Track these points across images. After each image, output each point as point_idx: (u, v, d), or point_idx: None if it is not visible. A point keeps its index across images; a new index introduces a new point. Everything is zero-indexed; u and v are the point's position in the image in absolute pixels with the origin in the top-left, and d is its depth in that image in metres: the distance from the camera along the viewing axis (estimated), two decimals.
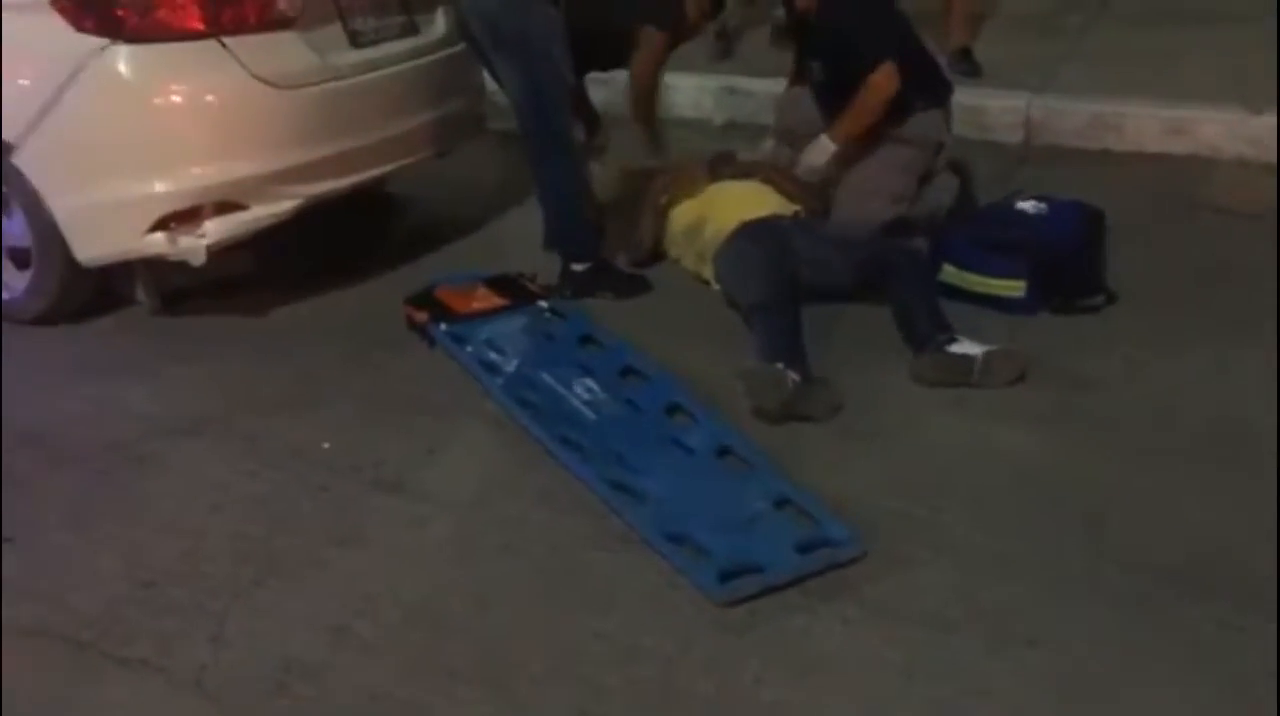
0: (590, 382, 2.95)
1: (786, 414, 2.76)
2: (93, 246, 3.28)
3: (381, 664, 2.09)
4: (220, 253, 3.31)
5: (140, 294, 3.47)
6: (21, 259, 3.39)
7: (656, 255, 3.74)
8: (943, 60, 3.93)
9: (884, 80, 3.36)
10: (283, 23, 3.29)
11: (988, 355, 2.87)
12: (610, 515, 2.45)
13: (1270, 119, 4.38)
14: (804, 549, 2.27)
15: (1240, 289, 3.38)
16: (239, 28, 3.19)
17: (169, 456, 2.77)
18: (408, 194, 4.36)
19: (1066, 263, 3.29)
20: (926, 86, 3.55)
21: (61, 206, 3.24)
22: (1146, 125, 4.63)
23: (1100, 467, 2.57)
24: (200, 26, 3.13)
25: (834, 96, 3.51)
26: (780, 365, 2.81)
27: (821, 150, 3.50)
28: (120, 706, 2.01)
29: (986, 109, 4.71)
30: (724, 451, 2.65)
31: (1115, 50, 5.54)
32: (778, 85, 4.08)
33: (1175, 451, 2.63)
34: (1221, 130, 4.51)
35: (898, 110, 3.44)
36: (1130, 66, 5.22)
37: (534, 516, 2.49)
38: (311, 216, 3.48)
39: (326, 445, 2.78)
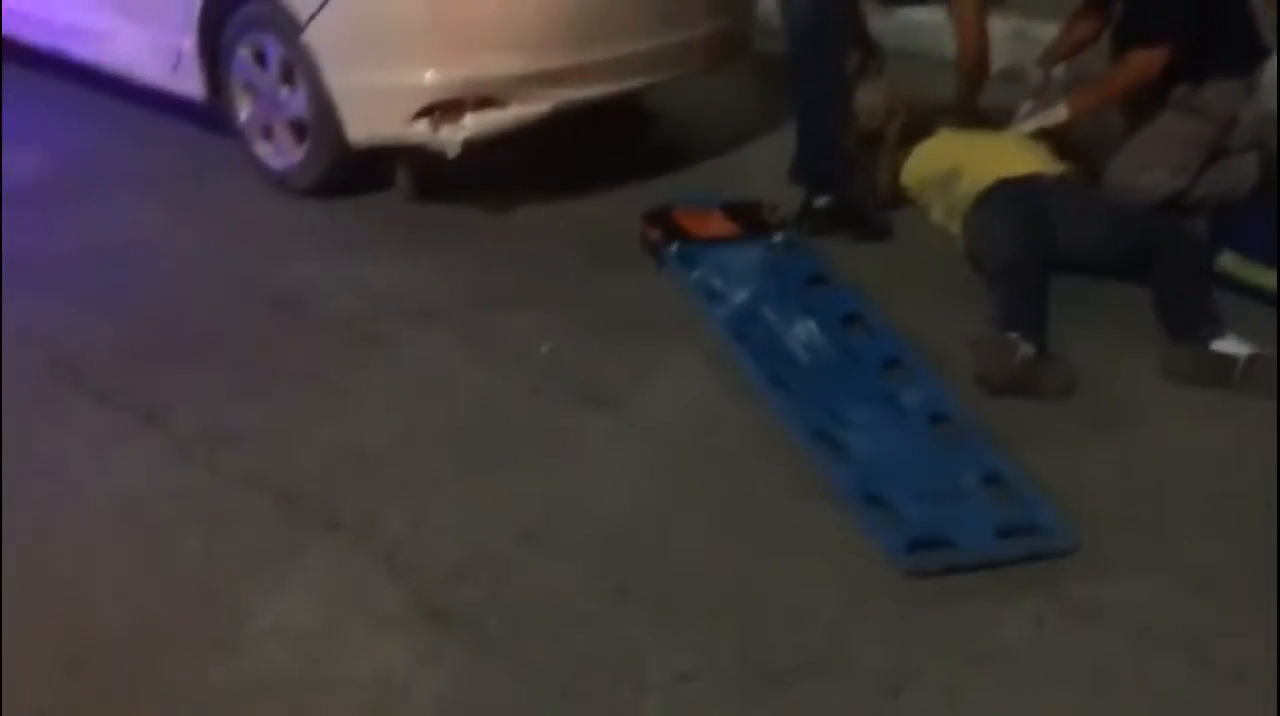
0: (811, 324, 2.88)
1: (1014, 387, 2.60)
2: (363, 127, 3.45)
3: (560, 570, 2.14)
4: (476, 148, 3.41)
5: (400, 179, 3.64)
6: (300, 132, 3.60)
7: (896, 199, 3.58)
8: (1265, 18, 3.52)
9: (1143, 63, 3.12)
10: None
11: (1254, 358, 2.60)
12: (809, 464, 2.40)
13: None
14: (1007, 533, 2.16)
15: None
16: None
17: (398, 337, 2.90)
18: (662, 109, 4.35)
19: None
20: (1230, 52, 3.19)
21: (339, 85, 3.42)
22: None
23: None
24: None
25: (1122, 48, 3.24)
26: (1015, 334, 2.65)
27: (1054, 116, 3.31)
28: (316, 567, 2.15)
29: None
30: (939, 417, 2.53)
31: None
32: None
33: None
34: None
35: (1194, 76, 3.12)
36: None
37: (730, 452, 2.47)
38: (565, 123, 3.52)
39: (545, 348, 2.85)
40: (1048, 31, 4.59)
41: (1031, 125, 3.40)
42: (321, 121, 3.49)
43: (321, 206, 3.63)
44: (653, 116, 4.36)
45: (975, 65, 3.58)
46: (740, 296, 3.04)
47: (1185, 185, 3.32)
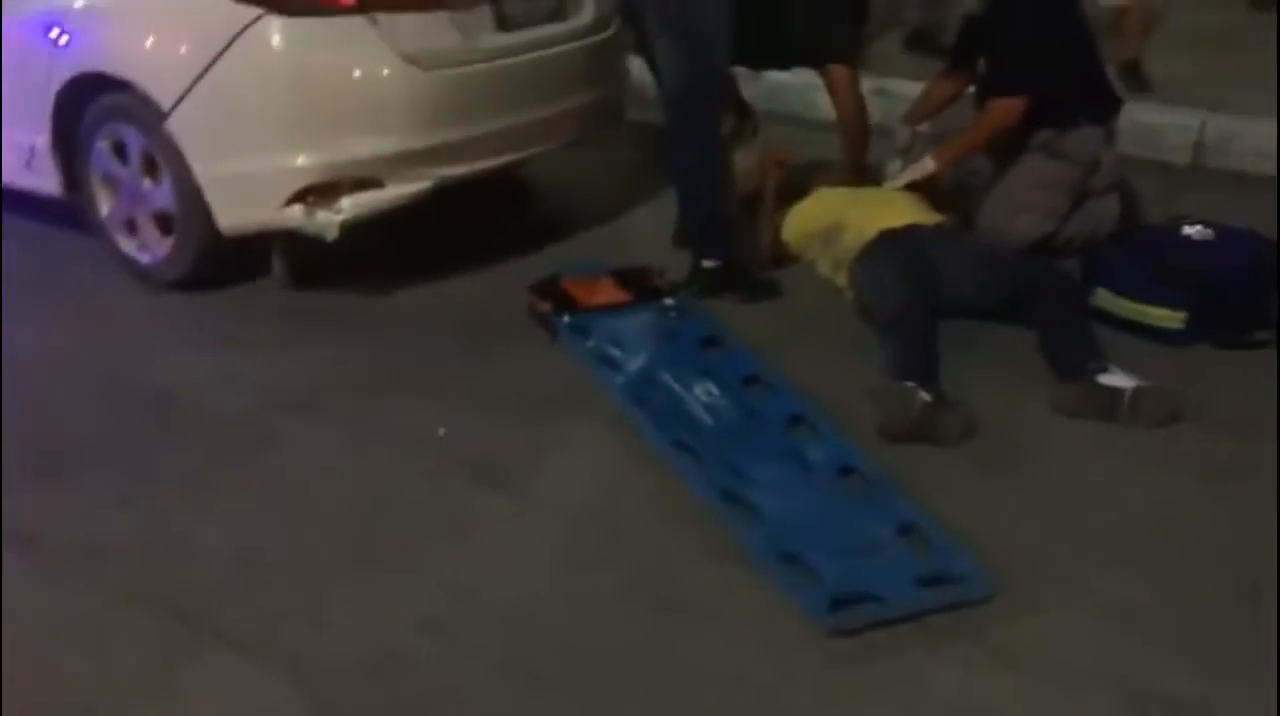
0: (711, 386, 2.85)
1: (914, 435, 2.61)
2: (233, 215, 3.33)
3: (472, 662, 2.03)
4: (352, 230, 3.32)
5: (274, 266, 3.51)
6: (165, 224, 3.46)
7: (780, 257, 3.61)
8: (1110, 72, 3.73)
9: (1002, 111, 3.27)
10: (435, 4, 3.28)
11: (1139, 390, 2.67)
12: (720, 527, 2.35)
13: None
14: (926, 582, 2.14)
15: None
16: (392, 6, 3.19)
17: (284, 432, 2.77)
18: (540, 180, 4.33)
19: (1233, 295, 3.05)
20: (1092, 101, 3.34)
21: (206, 174, 3.30)
22: None
23: (1259, 530, 2.34)
24: (354, 3, 3.15)
25: (982, 97, 3.36)
26: (911, 383, 2.67)
27: (922, 169, 3.41)
28: (216, 683, 2.00)
29: (1155, 126, 4.43)
30: (847, 470, 2.52)
31: None
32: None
33: None
34: None
35: (1058, 123, 3.25)
36: None
37: (638, 522, 2.41)
38: (443, 198, 3.47)
39: (441, 431, 2.76)
40: (905, 88, 4.78)
41: (902, 180, 3.49)
42: (189, 212, 3.36)
43: (192, 299, 3.48)
44: (531, 189, 4.34)
45: (856, 128, 3.66)
46: (637, 363, 3.01)
47: (1054, 227, 3.43)
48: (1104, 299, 3.15)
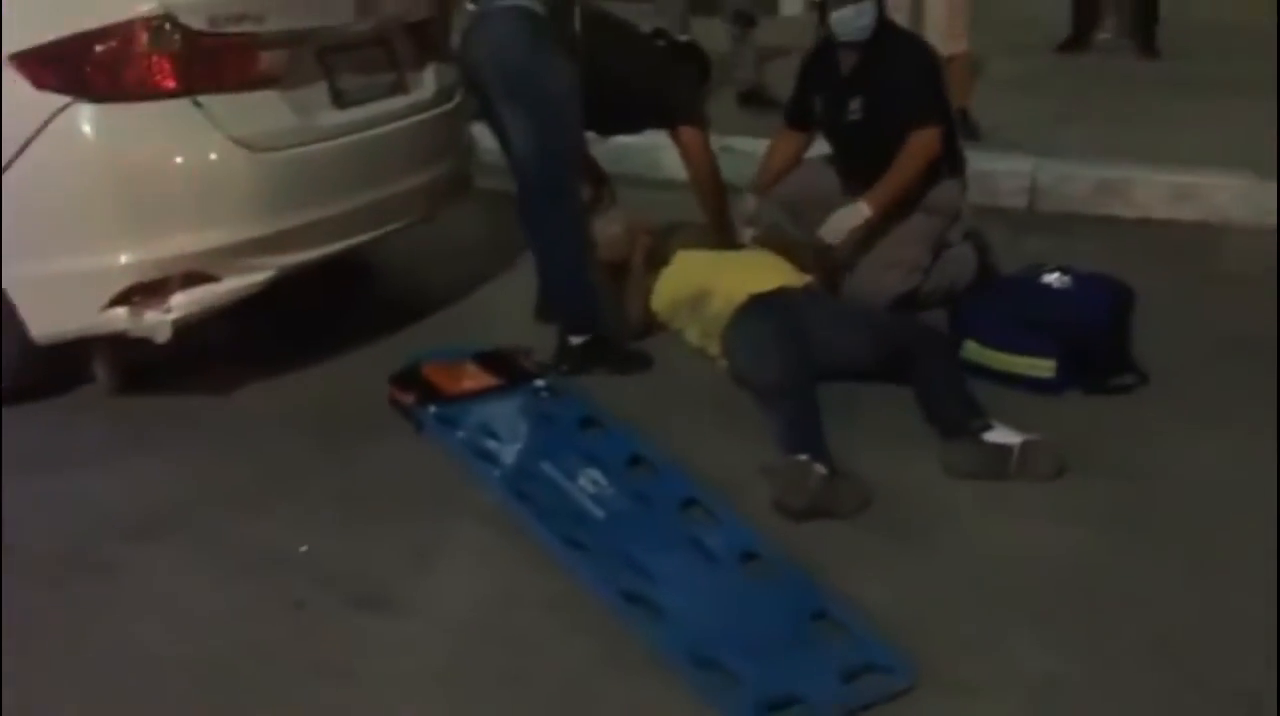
0: (595, 473, 2.70)
1: (813, 510, 2.53)
2: (48, 322, 3.00)
3: None
4: (189, 327, 3.04)
5: (98, 372, 3.19)
6: None
7: (648, 327, 3.51)
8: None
9: (927, 142, 3.22)
10: (264, 81, 3.06)
11: (1026, 445, 2.66)
12: (626, 633, 2.19)
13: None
14: (851, 676, 2.03)
15: (1266, 361, 3.20)
16: (216, 86, 2.95)
17: (126, 563, 2.47)
18: (385, 259, 4.11)
19: (1097, 341, 3.10)
20: (951, 153, 3.38)
21: (14, 278, 2.96)
22: (1155, 191, 4.50)
23: (1162, 574, 2.35)
24: (173, 85, 2.89)
25: (866, 145, 3.33)
26: (805, 456, 2.58)
27: (856, 214, 3.31)
28: None
29: (991, 173, 4.55)
30: (748, 555, 2.40)
31: (1113, 114, 5.46)
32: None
33: (1236, 552, 2.41)
34: (1232, 197, 4.38)
35: (926, 178, 3.26)
36: (1130, 131, 5.12)
37: (539, 635, 2.22)
38: (283, 285, 3.22)
39: (304, 548, 2.51)
40: (748, 144, 4.78)
41: (844, 226, 3.32)
42: None
43: (11, 417, 3.09)
44: (374, 267, 4.12)
45: (713, 187, 3.59)
46: (514, 453, 2.83)
47: (919, 281, 3.44)
48: (973, 351, 3.16)
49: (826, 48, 3.51)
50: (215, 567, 2.46)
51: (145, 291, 2.95)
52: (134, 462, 2.89)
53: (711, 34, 5.21)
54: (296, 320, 3.57)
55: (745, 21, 5.50)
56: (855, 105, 3.41)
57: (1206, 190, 4.43)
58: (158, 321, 2.97)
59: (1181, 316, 3.51)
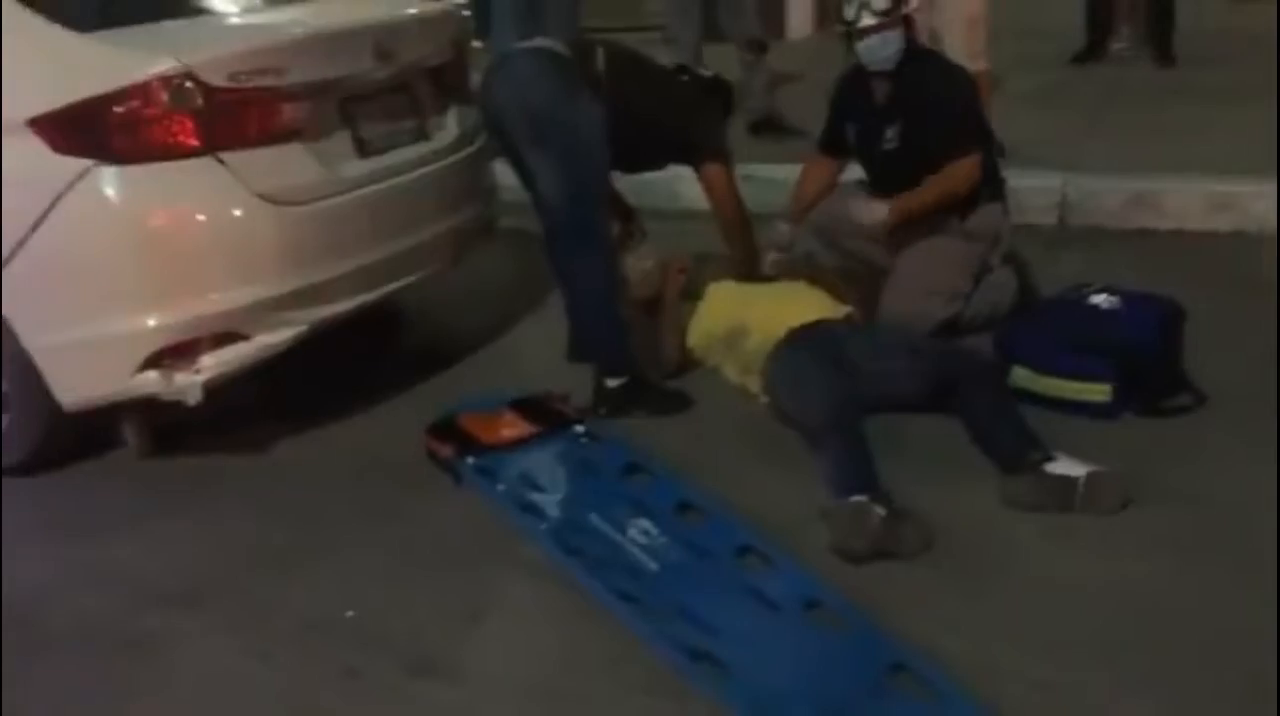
0: (645, 523, 2.62)
1: (875, 552, 2.44)
2: (77, 389, 2.94)
3: None
4: (220, 387, 2.98)
5: (128, 435, 3.13)
6: None
7: (683, 365, 3.44)
8: None
9: (969, 170, 3.17)
10: (287, 135, 3.01)
11: (1092, 477, 2.57)
12: (694, 692, 2.10)
13: None
14: None
15: None
16: (239, 142, 2.90)
17: (164, 636, 2.40)
18: (412, 306, 4.06)
19: (1151, 362, 3.01)
20: (990, 177, 3.31)
21: (41, 346, 2.91)
22: (1190, 202, 4.42)
23: (1245, 606, 2.25)
24: (196, 143, 2.84)
25: (902, 173, 3.27)
26: (862, 498, 2.50)
27: (874, 211, 3.29)
28: None
29: (1019, 190, 4.45)
30: (812, 603, 2.32)
31: (1136, 125, 5.39)
32: (790, 171, 3.85)
33: None
34: (1268, 205, 4.30)
35: (966, 203, 3.19)
36: (1156, 141, 5.04)
37: (602, 697, 2.14)
38: (312, 338, 3.16)
39: (350, 613, 2.43)
40: (768, 171, 4.73)
41: (868, 220, 3.36)
42: (24, 389, 2.96)
43: (39, 484, 3.05)
44: (402, 314, 4.06)
45: (739, 223, 3.53)
46: (558, 505, 2.76)
47: (961, 308, 3.37)
48: (1023, 377, 3.07)
49: (858, 74, 3.46)
50: (259, 637, 2.39)
51: (175, 353, 2.90)
52: (167, 527, 2.83)
53: (720, 61, 5.16)
54: (326, 372, 3.51)
55: (758, 48, 5.45)
56: (891, 133, 3.35)
57: (1242, 199, 4.34)
58: (189, 383, 2.91)
59: (1228, 330, 3.41)
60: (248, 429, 3.23)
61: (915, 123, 3.31)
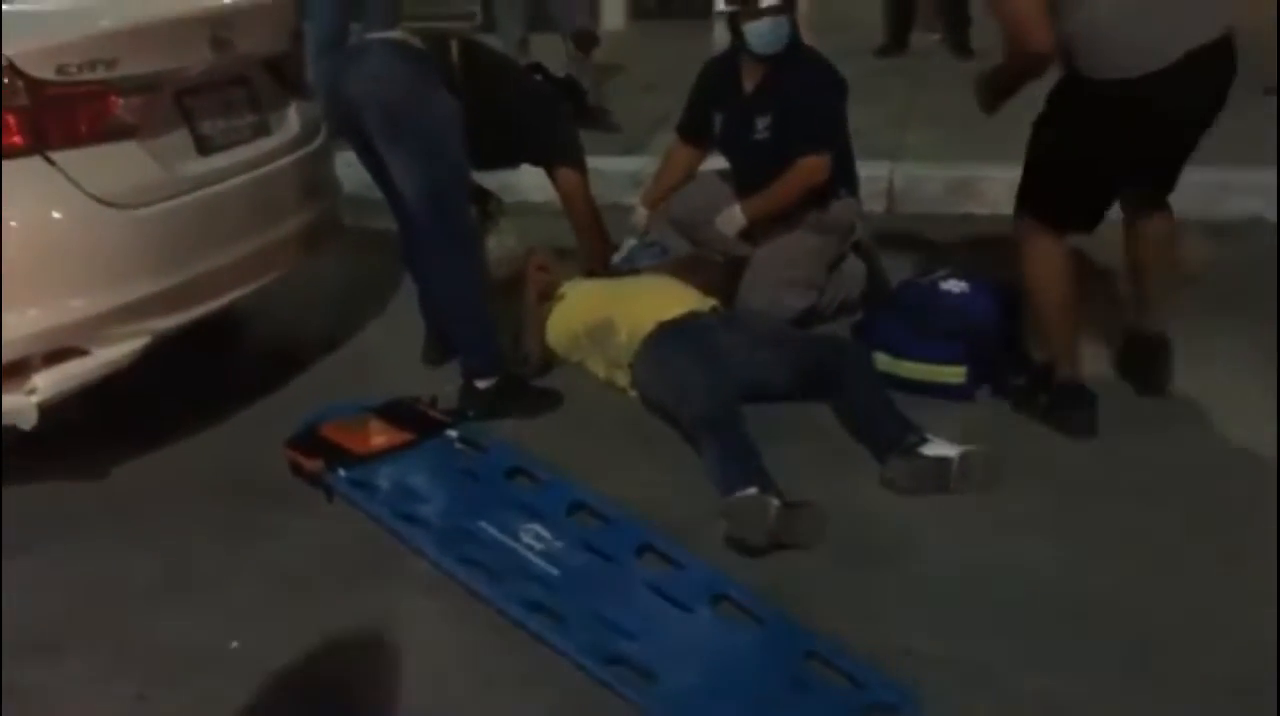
0: (538, 527, 2.57)
1: (773, 543, 2.48)
2: None
3: None
4: (57, 408, 2.73)
5: None
6: None
7: (548, 363, 3.39)
8: None
9: (815, 168, 3.22)
10: (121, 132, 2.78)
11: (964, 456, 2.69)
12: (615, 698, 2.08)
13: None
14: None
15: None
16: (70, 141, 2.66)
17: (33, 690, 2.17)
18: (251, 308, 3.81)
19: (998, 343, 3.18)
20: (847, 172, 3.40)
21: None
22: (1004, 188, 4.66)
23: (1126, 573, 2.40)
24: (21, 142, 2.59)
25: (771, 165, 3.34)
26: (754, 490, 2.53)
27: (732, 221, 3.35)
28: None
29: None
30: (718, 598, 2.33)
31: (948, 115, 5.64)
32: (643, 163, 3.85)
33: (1171, 536, 2.51)
34: None
35: (822, 197, 3.27)
36: (967, 130, 5.29)
37: None
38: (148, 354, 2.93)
39: (235, 644, 2.28)
40: (614, 164, 4.72)
41: (726, 231, 3.43)
42: None
43: None
44: (240, 318, 3.82)
45: (593, 228, 3.51)
46: (444, 513, 2.67)
47: (817, 298, 3.46)
48: (883, 362, 3.17)
49: (728, 61, 3.48)
50: (134, 679, 2.20)
51: (5, 373, 2.63)
52: (13, 568, 2.56)
53: (544, 54, 5.10)
54: (164, 384, 3.26)
55: (589, 42, 5.42)
56: (762, 124, 3.39)
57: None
58: (21, 406, 2.66)
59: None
60: (89, 452, 2.97)
61: (786, 114, 3.36)
